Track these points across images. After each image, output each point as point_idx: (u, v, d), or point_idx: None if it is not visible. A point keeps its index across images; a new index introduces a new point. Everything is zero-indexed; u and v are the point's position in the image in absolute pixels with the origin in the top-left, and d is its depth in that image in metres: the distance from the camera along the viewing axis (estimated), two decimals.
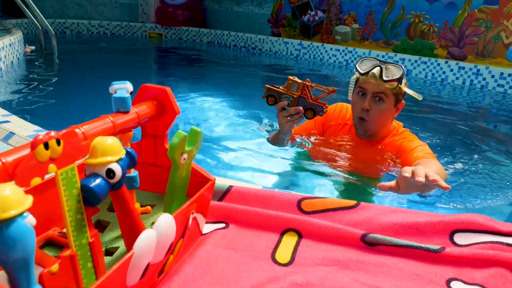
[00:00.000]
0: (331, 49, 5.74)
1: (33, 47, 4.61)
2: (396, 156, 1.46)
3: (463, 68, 4.73)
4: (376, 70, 1.34)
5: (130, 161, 0.49)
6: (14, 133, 1.04)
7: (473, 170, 2.57)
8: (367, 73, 1.37)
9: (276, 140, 1.50)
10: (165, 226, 0.47)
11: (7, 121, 1.14)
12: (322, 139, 1.63)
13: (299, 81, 1.25)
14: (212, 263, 0.57)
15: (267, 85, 1.27)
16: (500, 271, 0.59)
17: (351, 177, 1.48)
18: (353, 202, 0.72)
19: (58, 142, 0.40)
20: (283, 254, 0.61)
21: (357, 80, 1.43)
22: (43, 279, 0.39)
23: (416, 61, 5.01)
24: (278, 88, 1.27)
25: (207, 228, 0.66)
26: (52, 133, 0.40)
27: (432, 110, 4.21)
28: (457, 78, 4.78)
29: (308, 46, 6.14)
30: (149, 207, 0.60)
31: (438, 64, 4.88)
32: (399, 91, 1.38)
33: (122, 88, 0.55)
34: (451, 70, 4.79)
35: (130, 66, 5.30)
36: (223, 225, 0.67)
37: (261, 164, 2.03)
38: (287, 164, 1.66)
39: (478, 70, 4.60)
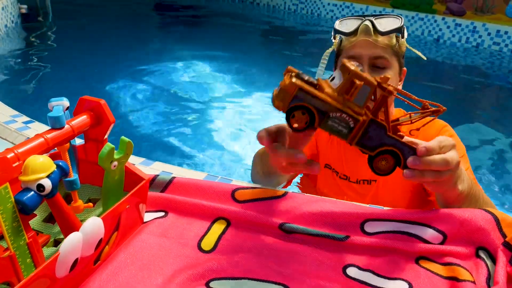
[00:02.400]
0: (329, 4, 5.64)
1: (25, 6, 4.59)
2: None
3: (460, 25, 4.67)
4: (368, 23, 1.01)
5: (62, 173, 0.58)
6: None
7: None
8: (355, 30, 1.03)
9: (262, 176, 0.95)
10: (91, 228, 0.57)
11: None
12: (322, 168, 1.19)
13: (371, 78, 0.57)
14: (144, 251, 0.68)
15: (290, 72, 0.59)
16: (393, 258, 0.69)
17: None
18: (281, 192, 0.82)
19: None
20: (208, 242, 0.71)
21: (338, 50, 1.09)
22: None
23: (413, 17, 4.94)
24: (317, 90, 0.58)
25: (148, 216, 0.76)
26: None
27: (426, 71, 4.22)
28: (453, 36, 4.73)
29: (306, 0, 6.04)
30: (90, 204, 0.70)
31: (435, 21, 4.81)
32: (400, 50, 1.05)
33: (59, 105, 0.64)
34: (448, 27, 4.74)
35: (127, 23, 5.28)
36: (162, 213, 0.77)
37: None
38: None
39: (475, 27, 4.55)
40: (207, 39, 4.85)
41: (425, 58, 1.10)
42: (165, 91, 3.31)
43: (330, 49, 1.11)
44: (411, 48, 1.08)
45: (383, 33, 1.01)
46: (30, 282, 0.49)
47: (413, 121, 0.65)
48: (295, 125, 0.58)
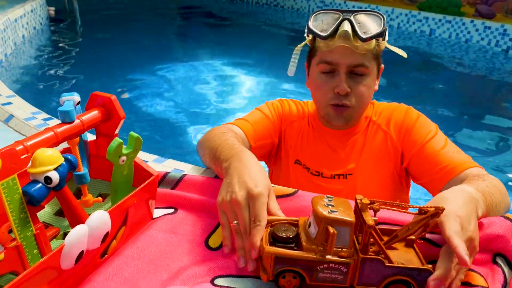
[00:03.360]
0: (353, 6, 5.58)
1: (53, 8, 4.72)
2: (395, 145, 1.02)
3: (489, 27, 4.55)
4: (347, 26, 0.91)
5: (70, 167, 0.59)
6: (13, 115, 1.17)
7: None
8: (333, 33, 0.92)
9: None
10: (97, 221, 0.57)
11: (9, 103, 1.26)
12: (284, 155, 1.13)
13: (347, 218, 0.55)
14: (151, 246, 0.68)
15: (269, 224, 0.63)
16: None
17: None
18: (291, 190, 0.81)
19: None
20: (215, 239, 0.71)
21: (313, 48, 1.00)
22: None
23: (440, 20, 4.84)
24: (295, 247, 0.59)
25: (157, 213, 0.77)
26: None
27: (454, 74, 4.12)
28: (482, 39, 4.61)
29: (331, 3, 6.00)
30: (100, 198, 0.70)
31: (463, 24, 4.70)
32: (379, 49, 0.97)
33: (70, 100, 0.65)
34: (477, 30, 4.62)
35: (152, 25, 5.37)
36: (172, 210, 0.78)
37: None
38: None
39: (505, 30, 4.41)
40: (231, 42, 4.89)
41: (406, 56, 1.00)
42: (186, 92, 3.34)
43: (301, 45, 1.02)
44: (390, 47, 0.99)
45: (364, 40, 0.91)
46: (35, 272, 0.50)
47: (412, 231, 0.59)
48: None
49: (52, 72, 3.32)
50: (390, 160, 1.04)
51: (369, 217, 0.55)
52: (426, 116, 1.06)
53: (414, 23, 4.98)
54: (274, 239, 0.59)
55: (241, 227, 0.64)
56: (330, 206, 0.57)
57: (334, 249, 0.55)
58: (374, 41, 0.94)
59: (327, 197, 0.59)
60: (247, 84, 3.63)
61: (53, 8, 4.69)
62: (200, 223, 0.74)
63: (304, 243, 0.57)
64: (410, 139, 1.01)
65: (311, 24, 0.97)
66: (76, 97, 0.65)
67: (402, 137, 1.03)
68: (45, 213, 0.72)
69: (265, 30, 5.68)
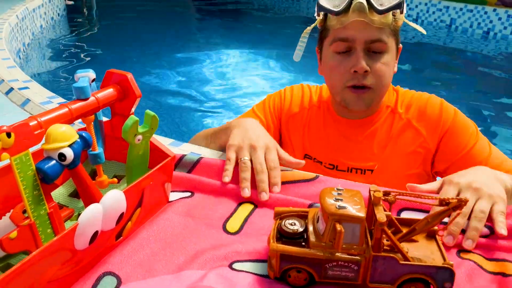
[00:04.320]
0: None
1: (72, 1, 4.74)
2: (428, 146, 0.94)
3: None
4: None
5: (84, 144, 0.57)
6: (30, 100, 1.16)
7: None
8: (347, 7, 0.86)
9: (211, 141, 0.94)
10: (111, 201, 0.55)
11: (26, 87, 1.26)
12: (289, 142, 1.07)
13: (356, 214, 0.51)
14: (168, 229, 0.66)
15: (278, 216, 0.60)
16: None
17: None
18: (312, 175, 0.78)
19: (9, 135, 0.48)
20: (233, 224, 0.68)
21: (324, 29, 0.93)
22: (2, 244, 0.49)
23: (461, 9, 4.72)
24: (303, 243, 0.55)
25: (174, 196, 0.74)
26: (4, 127, 0.48)
27: (476, 65, 4.01)
28: (505, 28, 4.48)
29: None
30: (115, 179, 0.69)
31: (485, 13, 4.57)
32: (397, 26, 0.90)
33: (85, 77, 0.62)
34: (499, 19, 4.48)
35: (169, 16, 5.36)
36: (188, 194, 0.75)
37: None
38: None
39: None
40: (246, 32, 4.84)
41: (425, 32, 0.95)
42: (202, 80, 3.33)
43: (311, 27, 0.95)
44: (409, 22, 0.93)
45: (381, 12, 0.84)
46: (48, 252, 0.48)
47: (431, 224, 0.55)
48: (295, 284, 0.55)
49: (68, 60, 3.33)
50: (419, 161, 0.96)
51: (382, 213, 0.51)
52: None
53: (434, 12, 4.87)
54: (281, 235, 0.56)
55: (257, 164, 0.73)
56: (339, 201, 0.53)
57: (344, 246, 0.52)
58: (391, 14, 0.87)
59: (337, 189, 0.55)
60: (262, 72, 3.59)
61: (71, 1, 4.71)
62: (217, 207, 0.72)
63: (311, 240, 0.54)
64: (450, 143, 0.93)
65: (322, 1, 0.90)
66: (91, 74, 0.63)
67: (438, 138, 0.94)
68: (59, 194, 0.70)
69: (280, 20, 5.62)
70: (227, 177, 0.75)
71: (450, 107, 0.97)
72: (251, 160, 0.75)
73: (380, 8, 0.85)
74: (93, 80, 0.63)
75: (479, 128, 0.96)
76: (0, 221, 0.59)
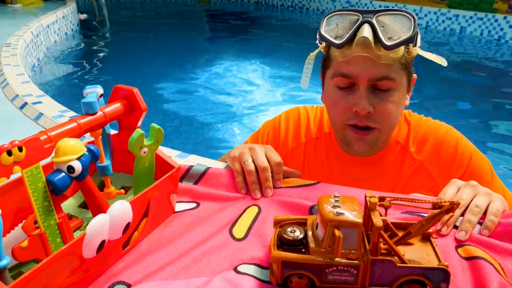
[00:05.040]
0: (380, 6, 5.50)
1: (85, 15, 4.86)
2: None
3: None
4: (367, 31, 0.75)
5: (92, 157, 0.59)
6: (42, 114, 1.20)
7: None
8: (350, 40, 0.77)
9: None
10: (118, 211, 0.57)
11: (39, 102, 1.30)
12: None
13: (353, 220, 0.53)
14: (174, 237, 0.68)
15: (277, 225, 0.62)
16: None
17: None
18: (312, 182, 0.80)
19: (20, 149, 0.51)
20: (239, 229, 0.70)
21: (327, 58, 0.85)
22: (14, 253, 0.51)
23: (471, 17, 4.71)
24: (303, 249, 0.57)
25: (179, 207, 0.76)
26: (16, 142, 0.51)
27: (487, 74, 3.99)
28: None
29: (356, 3, 5.94)
30: (122, 190, 0.71)
31: (496, 20, 4.56)
32: (409, 57, 0.81)
33: (93, 92, 0.65)
34: (510, 26, 4.46)
35: (180, 29, 5.46)
36: (194, 205, 0.77)
37: None
38: None
39: None
40: (255, 44, 4.90)
41: (446, 64, 0.83)
42: (210, 91, 3.37)
43: (314, 53, 0.87)
44: (424, 54, 0.81)
45: (389, 48, 0.75)
46: (57, 259, 0.50)
47: (426, 227, 0.56)
48: None
49: (81, 74, 3.41)
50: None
51: (378, 218, 0.53)
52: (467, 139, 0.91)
53: (443, 21, 4.86)
54: (282, 242, 0.58)
55: (260, 163, 0.75)
56: (337, 207, 0.54)
57: (343, 251, 0.53)
58: (402, 48, 0.77)
59: (334, 196, 0.57)
60: (271, 85, 3.62)
61: (84, 15, 4.83)
62: (223, 215, 0.74)
63: (311, 246, 0.55)
64: None
65: (323, 30, 0.81)
66: (99, 90, 0.66)
67: None
68: (69, 205, 0.73)
69: (290, 32, 5.67)
70: (243, 189, 0.78)
71: (467, 148, 0.89)
72: (254, 161, 0.77)
73: (388, 43, 0.75)
74: (100, 96, 0.66)
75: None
76: (12, 231, 0.62)
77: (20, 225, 0.62)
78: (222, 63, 4.03)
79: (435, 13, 5.00)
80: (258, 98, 3.34)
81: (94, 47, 4.22)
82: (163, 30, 5.29)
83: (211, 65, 3.97)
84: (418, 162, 0.89)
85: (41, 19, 3.39)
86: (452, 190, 0.70)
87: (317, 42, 0.85)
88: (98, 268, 0.59)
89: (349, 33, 0.77)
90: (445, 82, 3.66)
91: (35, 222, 0.63)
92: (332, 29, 0.81)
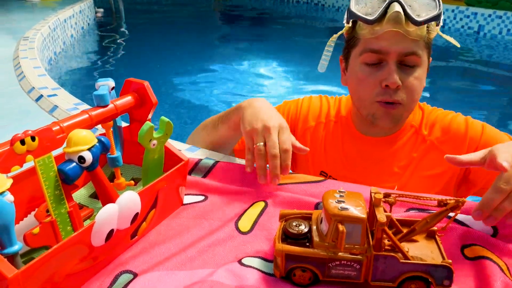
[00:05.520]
0: None
1: (101, 10, 4.91)
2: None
3: None
4: (397, 7, 0.79)
5: (103, 148, 0.61)
6: (57, 106, 1.22)
7: None
8: (382, 16, 0.81)
9: (208, 145, 0.97)
10: (127, 201, 0.59)
11: (55, 95, 1.32)
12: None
13: (358, 215, 0.53)
14: (182, 229, 0.69)
15: (283, 218, 0.62)
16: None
17: None
18: (322, 178, 0.80)
19: (33, 139, 0.52)
20: (245, 223, 0.71)
21: (353, 37, 0.88)
22: (26, 239, 0.53)
23: (490, 15, 4.62)
24: (307, 243, 0.57)
25: (188, 199, 0.78)
26: (29, 131, 0.52)
27: (505, 74, 3.92)
28: None
29: None
30: (132, 182, 0.72)
31: None
32: (430, 37, 0.85)
33: (105, 85, 0.67)
34: None
35: (195, 24, 5.48)
36: (202, 198, 0.78)
37: None
38: None
39: None
40: (270, 40, 4.89)
41: (459, 45, 0.88)
42: (223, 87, 3.39)
43: (337, 35, 0.90)
44: (442, 34, 0.87)
45: (419, 23, 0.79)
46: (67, 246, 0.52)
47: (430, 224, 0.57)
48: (300, 283, 0.57)
49: (96, 68, 3.46)
50: (440, 184, 0.91)
51: (382, 214, 0.53)
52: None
53: (461, 19, 4.79)
54: (286, 236, 0.58)
55: (271, 149, 0.73)
56: (341, 202, 0.55)
57: (346, 246, 0.54)
58: (425, 26, 0.82)
59: (339, 191, 0.58)
60: (284, 80, 3.63)
61: (101, 10, 4.88)
62: (230, 208, 0.75)
63: (315, 240, 0.56)
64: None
65: (353, 8, 0.84)
66: (111, 82, 0.67)
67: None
68: (81, 195, 0.75)
69: (305, 29, 5.65)
70: (249, 168, 0.77)
71: (477, 123, 0.92)
72: (265, 143, 0.76)
73: (418, 19, 0.79)
74: (112, 88, 0.68)
75: None
76: (25, 219, 0.64)
77: (33, 213, 0.64)
78: (236, 58, 4.04)
79: (453, 10, 4.93)
80: (271, 94, 3.34)
81: (110, 42, 4.27)
82: (179, 25, 5.33)
83: (225, 60, 3.99)
84: (430, 142, 0.93)
85: (58, 13, 3.45)
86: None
87: (344, 22, 0.89)
88: (106, 256, 0.61)
89: (380, 9, 0.81)
90: (462, 81, 3.61)
91: (47, 211, 0.64)
92: (362, 7, 0.84)
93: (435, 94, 2.97)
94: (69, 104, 1.23)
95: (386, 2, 0.81)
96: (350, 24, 0.87)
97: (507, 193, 0.58)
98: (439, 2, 0.82)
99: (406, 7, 0.79)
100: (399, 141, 0.94)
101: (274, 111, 0.82)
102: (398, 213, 0.70)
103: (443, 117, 0.95)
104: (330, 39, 0.92)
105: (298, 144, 0.79)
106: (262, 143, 0.75)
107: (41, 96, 1.32)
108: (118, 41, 4.40)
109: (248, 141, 0.78)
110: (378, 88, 0.85)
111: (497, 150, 0.62)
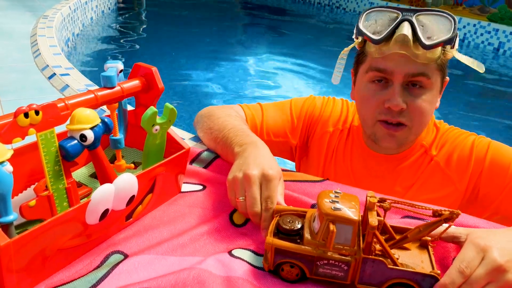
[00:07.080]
0: None
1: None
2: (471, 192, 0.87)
3: None
4: (406, 29, 0.75)
5: (105, 129, 0.62)
6: (69, 86, 1.24)
7: None
8: (389, 37, 0.77)
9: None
10: (123, 182, 0.59)
11: (67, 74, 1.34)
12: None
13: (350, 216, 0.53)
14: (176, 216, 0.70)
15: (277, 214, 0.63)
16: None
17: None
18: (320, 178, 0.80)
19: (37, 113, 0.53)
20: (239, 216, 0.71)
21: (362, 52, 0.86)
22: (22, 210, 0.54)
23: (511, 33, 4.56)
24: (298, 239, 0.57)
25: (186, 188, 0.78)
26: (34, 105, 0.53)
27: None
28: None
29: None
30: (132, 165, 0.73)
31: None
32: (445, 59, 0.81)
33: (113, 67, 0.68)
34: None
35: (215, 17, 5.50)
36: (200, 187, 0.79)
37: None
38: None
39: None
40: (289, 40, 4.88)
41: (483, 70, 0.81)
42: (238, 83, 3.39)
43: (348, 48, 0.86)
44: (461, 57, 0.80)
45: (428, 47, 0.75)
46: (61, 221, 0.53)
47: (423, 233, 0.56)
48: (287, 278, 0.57)
49: (112, 52, 3.48)
50: (446, 203, 0.87)
51: (374, 218, 0.53)
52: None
53: (482, 34, 4.73)
54: (279, 231, 0.59)
55: (249, 208, 0.63)
56: (335, 203, 0.55)
57: (336, 246, 0.54)
58: (439, 48, 0.77)
59: (335, 191, 0.58)
60: (299, 81, 3.62)
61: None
62: (226, 200, 0.75)
63: (306, 237, 0.56)
64: (492, 182, 0.84)
65: (361, 24, 0.82)
66: (119, 65, 0.68)
67: (471, 184, 0.86)
68: (81, 174, 0.76)
69: (325, 31, 5.63)
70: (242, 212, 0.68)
71: (483, 143, 0.88)
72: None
73: (427, 42, 0.75)
74: (120, 71, 0.68)
75: None
76: (24, 192, 0.65)
77: (33, 186, 0.65)
78: (252, 55, 4.04)
79: (474, 25, 4.87)
80: (284, 93, 3.34)
81: (129, 27, 4.30)
82: (198, 16, 5.34)
83: (240, 56, 3.99)
84: (435, 163, 0.90)
85: None
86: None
87: (353, 37, 0.86)
88: (99, 235, 0.62)
89: (388, 29, 0.77)
90: (479, 97, 3.57)
91: (47, 187, 0.66)
92: (370, 24, 0.81)
93: (449, 111, 2.94)
94: (80, 85, 1.25)
95: (396, 22, 0.77)
96: (360, 40, 0.84)
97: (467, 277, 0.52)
98: (454, 24, 0.77)
99: (417, 27, 0.76)
100: (406, 161, 0.91)
101: (267, 158, 0.70)
102: (393, 220, 0.70)
103: (455, 138, 0.91)
104: (342, 52, 0.88)
105: (281, 200, 0.68)
106: (243, 198, 0.65)
107: (54, 74, 1.33)
108: (136, 27, 4.43)
109: (230, 193, 0.69)
110: (381, 107, 0.82)
111: (467, 245, 0.55)
